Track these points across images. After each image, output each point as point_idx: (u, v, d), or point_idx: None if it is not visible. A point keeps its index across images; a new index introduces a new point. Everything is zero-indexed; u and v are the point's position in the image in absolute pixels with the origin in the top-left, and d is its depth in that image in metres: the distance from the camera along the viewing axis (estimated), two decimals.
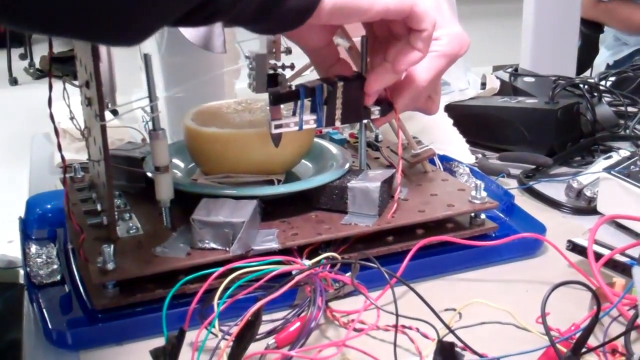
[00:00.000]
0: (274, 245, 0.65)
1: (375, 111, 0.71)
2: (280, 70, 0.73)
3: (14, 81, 4.54)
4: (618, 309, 0.58)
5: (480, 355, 0.55)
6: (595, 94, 1.14)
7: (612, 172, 0.81)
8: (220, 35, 0.72)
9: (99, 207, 0.73)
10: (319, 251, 0.67)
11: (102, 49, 0.61)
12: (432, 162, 0.85)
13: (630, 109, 1.16)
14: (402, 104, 0.72)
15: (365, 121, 0.74)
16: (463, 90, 1.11)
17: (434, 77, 0.73)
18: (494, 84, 1.18)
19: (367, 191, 0.70)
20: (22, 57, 4.81)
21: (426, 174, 0.82)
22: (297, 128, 0.68)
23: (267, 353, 0.57)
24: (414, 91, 0.72)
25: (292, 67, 0.74)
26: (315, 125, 0.69)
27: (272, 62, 0.73)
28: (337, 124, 0.70)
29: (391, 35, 0.67)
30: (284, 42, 0.78)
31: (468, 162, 0.94)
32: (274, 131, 0.68)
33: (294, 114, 0.68)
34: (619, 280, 0.63)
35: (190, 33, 0.72)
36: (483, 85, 1.18)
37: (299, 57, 0.76)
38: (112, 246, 0.62)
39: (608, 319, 0.59)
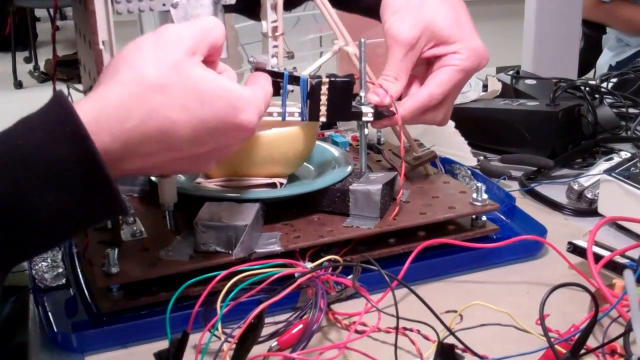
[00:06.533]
0: (277, 248, 0.66)
1: (369, 113, 0.72)
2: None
3: (19, 84, 4.54)
4: (617, 310, 0.58)
5: (481, 357, 0.56)
6: (597, 96, 1.14)
7: (612, 174, 0.81)
8: None
9: None
10: (321, 253, 0.68)
11: (106, 55, 0.62)
12: (434, 164, 0.85)
13: (631, 110, 1.16)
14: (411, 114, 0.72)
15: (361, 123, 0.74)
16: (465, 92, 1.11)
17: (449, 91, 0.73)
18: (495, 86, 1.18)
19: (368, 194, 0.71)
20: (27, 60, 4.81)
21: (428, 176, 0.83)
22: (280, 119, 0.69)
23: (270, 355, 0.57)
24: (426, 103, 0.72)
25: (294, 71, 0.74)
26: (299, 119, 0.70)
27: (274, 66, 0.73)
28: (322, 119, 0.70)
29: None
30: (286, 46, 0.78)
31: (470, 165, 0.94)
32: None
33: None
34: (619, 282, 0.63)
35: None
36: (485, 87, 1.18)
37: (300, 61, 0.76)
38: (116, 250, 0.63)
39: (608, 320, 0.60)
